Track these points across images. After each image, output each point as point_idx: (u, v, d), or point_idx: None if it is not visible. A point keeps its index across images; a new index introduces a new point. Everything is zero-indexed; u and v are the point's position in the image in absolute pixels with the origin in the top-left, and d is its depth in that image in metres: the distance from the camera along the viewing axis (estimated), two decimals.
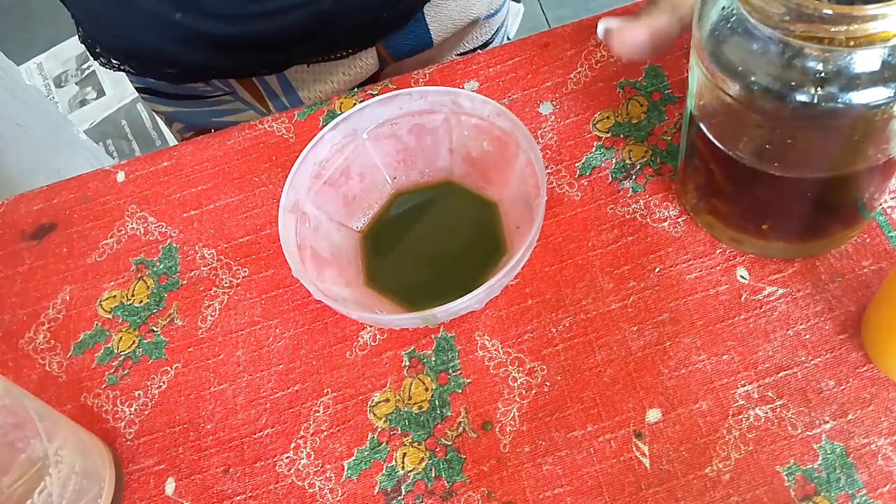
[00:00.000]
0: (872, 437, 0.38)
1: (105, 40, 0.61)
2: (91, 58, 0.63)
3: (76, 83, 1.79)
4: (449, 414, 0.43)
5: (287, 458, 0.43)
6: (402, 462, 0.42)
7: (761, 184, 0.37)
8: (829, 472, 0.38)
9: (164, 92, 0.67)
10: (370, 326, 0.46)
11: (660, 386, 0.41)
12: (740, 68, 0.32)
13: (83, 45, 0.63)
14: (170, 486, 0.44)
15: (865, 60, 0.29)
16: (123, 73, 0.66)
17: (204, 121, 0.69)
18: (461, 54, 0.70)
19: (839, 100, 0.30)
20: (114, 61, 0.62)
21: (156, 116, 1.69)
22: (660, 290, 0.44)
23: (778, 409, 0.40)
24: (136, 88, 0.69)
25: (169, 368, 0.47)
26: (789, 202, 0.39)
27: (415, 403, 0.43)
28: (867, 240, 0.43)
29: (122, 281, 0.51)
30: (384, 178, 0.49)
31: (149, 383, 0.47)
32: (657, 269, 0.44)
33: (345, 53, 0.62)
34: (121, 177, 0.55)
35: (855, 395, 0.39)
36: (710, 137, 0.37)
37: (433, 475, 0.41)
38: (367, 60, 0.64)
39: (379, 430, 0.43)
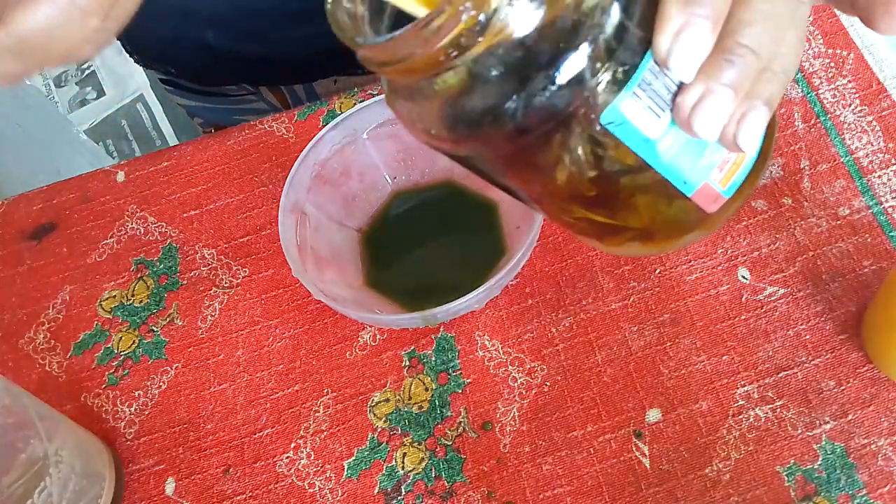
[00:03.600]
0: (873, 437, 0.38)
1: (135, 48, 0.64)
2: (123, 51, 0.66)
3: (76, 83, 1.79)
4: (449, 414, 0.43)
5: (287, 458, 0.43)
6: (402, 462, 0.42)
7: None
8: (830, 472, 0.38)
9: (188, 86, 0.67)
10: (370, 326, 0.46)
11: (660, 386, 0.41)
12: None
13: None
14: (170, 486, 0.43)
15: None
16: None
17: (225, 118, 0.70)
18: None
19: None
20: (145, 61, 0.65)
21: (156, 116, 1.69)
22: (660, 290, 0.44)
23: (778, 410, 0.40)
24: (159, 79, 0.69)
25: (169, 368, 0.47)
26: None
27: (415, 403, 0.43)
28: (868, 240, 0.43)
29: (122, 281, 0.51)
30: (384, 178, 0.49)
31: (149, 383, 0.47)
32: (657, 270, 0.44)
33: (370, 70, 0.64)
34: (121, 177, 0.55)
35: (855, 395, 0.39)
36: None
37: (433, 475, 0.41)
38: None
39: (379, 430, 0.43)
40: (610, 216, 0.27)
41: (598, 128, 0.21)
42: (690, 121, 0.21)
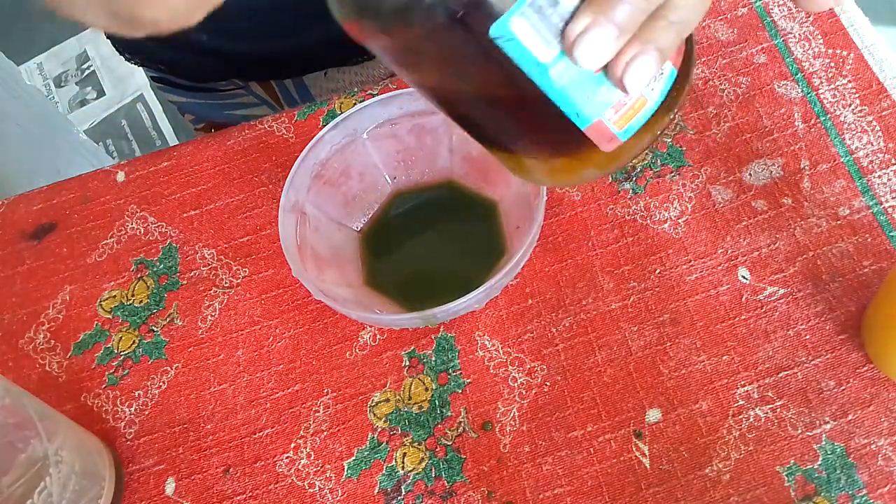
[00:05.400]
0: (873, 437, 0.38)
1: (127, 48, 0.64)
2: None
3: (76, 83, 1.79)
4: (449, 414, 0.43)
5: (287, 458, 0.43)
6: (402, 462, 0.42)
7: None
8: (830, 472, 0.38)
9: (177, 83, 0.68)
10: (370, 326, 0.46)
11: (660, 386, 0.41)
12: None
13: (108, 41, 0.66)
14: (170, 486, 0.43)
15: None
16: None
17: (216, 114, 0.70)
18: None
19: None
20: (136, 59, 0.65)
21: (156, 116, 1.69)
22: (660, 290, 0.44)
23: (778, 410, 0.40)
24: (151, 77, 0.70)
25: (169, 368, 0.47)
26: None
27: (415, 403, 0.43)
28: (868, 240, 0.43)
29: (122, 281, 0.51)
30: (384, 178, 0.49)
31: (149, 383, 0.47)
32: (657, 271, 0.44)
33: (359, 60, 0.65)
34: (121, 177, 0.55)
35: (855, 395, 0.39)
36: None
37: (433, 475, 0.41)
38: (380, 67, 0.65)
39: (379, 430, 0.43)
40: (505, 136, 0.28)
41: (487, 39, 0.22)
42: (573, 48, 0.22)
